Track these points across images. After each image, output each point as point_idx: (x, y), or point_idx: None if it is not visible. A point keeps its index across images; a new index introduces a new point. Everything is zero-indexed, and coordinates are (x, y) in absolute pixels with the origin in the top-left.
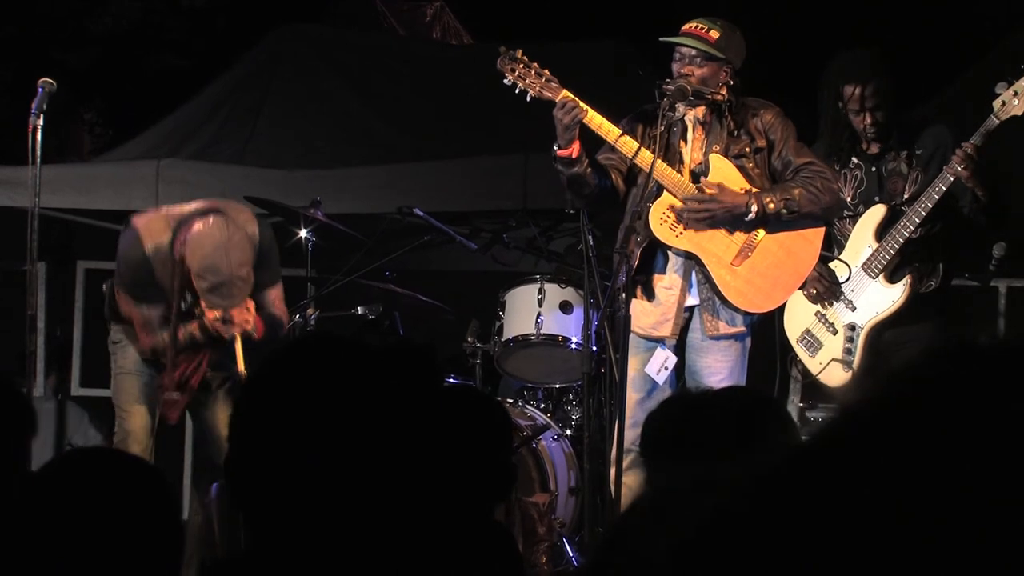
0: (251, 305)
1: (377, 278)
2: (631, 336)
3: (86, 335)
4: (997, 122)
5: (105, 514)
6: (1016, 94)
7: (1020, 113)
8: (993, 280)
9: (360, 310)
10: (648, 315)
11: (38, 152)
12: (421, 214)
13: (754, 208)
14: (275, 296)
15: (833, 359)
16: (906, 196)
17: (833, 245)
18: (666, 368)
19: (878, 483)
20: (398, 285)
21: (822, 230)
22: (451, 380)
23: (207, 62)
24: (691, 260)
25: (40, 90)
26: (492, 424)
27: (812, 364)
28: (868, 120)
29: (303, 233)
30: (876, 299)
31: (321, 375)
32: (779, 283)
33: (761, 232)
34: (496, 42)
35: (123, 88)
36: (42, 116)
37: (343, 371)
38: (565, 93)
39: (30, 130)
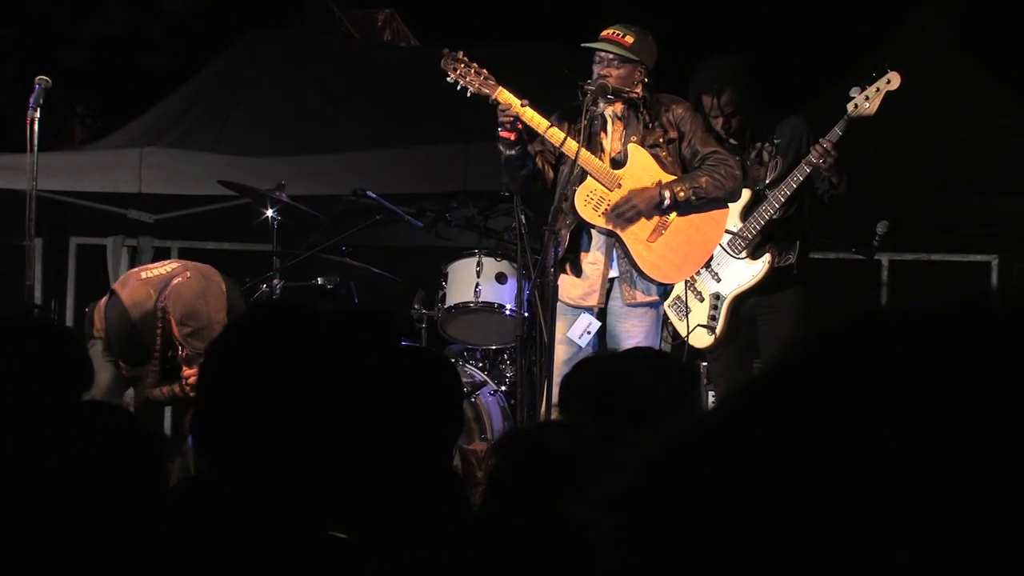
0: None
1: (335, 252)
2: (560, 305)
3: (77, 303)
4: (849, 120)
5: (90, 458)
6: (868, 98)
7: (871, 113)
8: (876, 254)
9: (320, 280)
10: (576, 287)
11: (35, 141)
12: (374, 196)
13: (667, 196)
14: None
15: (699, 324)
16: (767, 181)
17: None
18: (588, 332)
19: (795, 458)
20: (353, 258)
21: (727, 210)
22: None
23: (186, 62)
24: (612, 237)
25: (37, 86)
26: (444, 379)
27: (680, 327)
28: (721, 124)
29: (269, 212)
30: (739, 273)
31: (282, 337)
32: (689, 257)
33: (673, 213)
34: (440, 45)
35: (111, 85)
36: (39, 109)
37: (302, 333)
38: (501, 89)
39: (28, 121)
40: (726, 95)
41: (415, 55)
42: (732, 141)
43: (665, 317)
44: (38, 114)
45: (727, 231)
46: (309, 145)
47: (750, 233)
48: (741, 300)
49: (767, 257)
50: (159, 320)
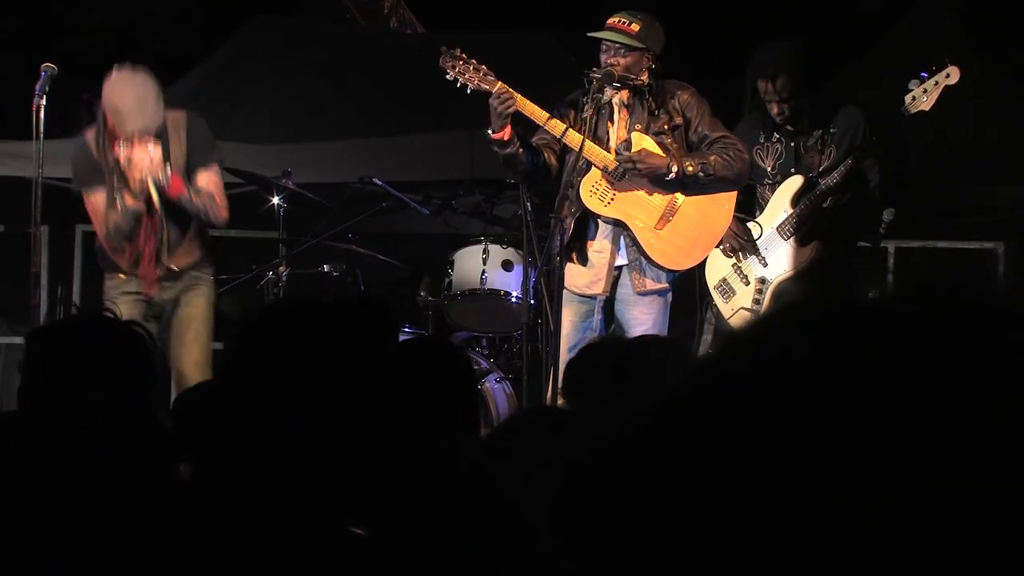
0: (157, 152)
1: (341, 240)
2: (566, 293)
3: (84, 289)
4: (906, 115)
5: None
6: (926, 91)
7: (927, 108)
8: (883, 242)
9: (326, 268)
10: (582, 275)
11: (41, 128)
12: (380, 183)
13: (674, 168)
14: (207, 179)
15: (742, 307)
16: (820, 169)
17: (755, 208)
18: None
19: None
20: (359, 246)
21: (734, 194)
22: (406, 329)
23: (190, 50)
24: (619, 227)
25: (43, 74)
26: (457, 370)
27: (725, 309)
28: (776, 110)
29: (275, 200)
30: (786, 258)
31: (296, 336)
32: (698, 243)
33: (680, 198)
34: (446, 32)
35: None
36: (45, 97)
37: (314, 331)
38: (500, 85)
39: (34, 109)
40: (781, 80)
41: (421, 42)
42: (788, 127)
43: (710, 299)
44: (44, 101)
45: (783, 212)
46: (315, 132)
47: (800, 219)
48: (786, 286)
49: (815, 245)
50: (102, 124)
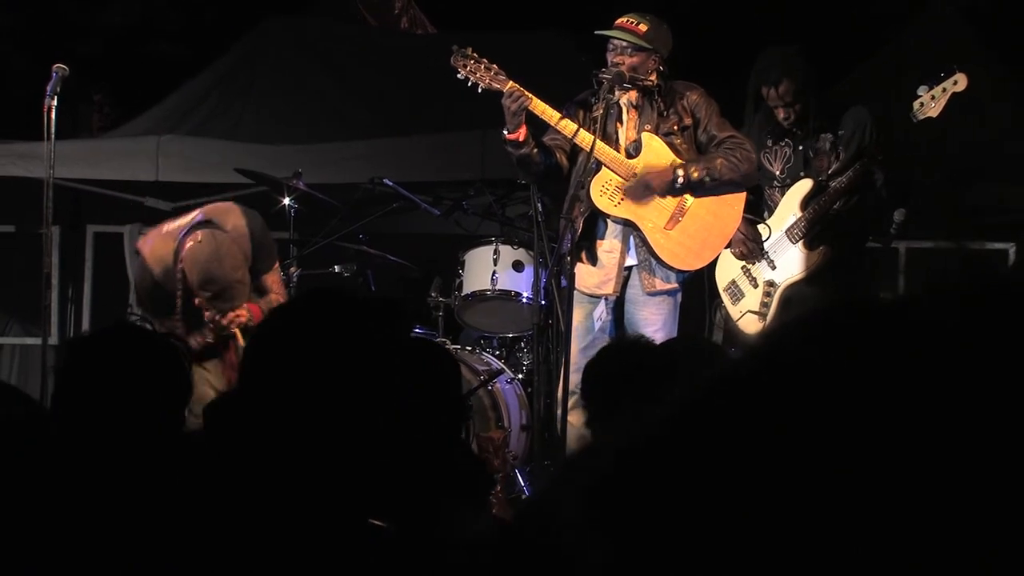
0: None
1: (352, 240)
2: (576, 292)
3: (94, 291)
4: (914, 121)
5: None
6: (934, 98)
7: (935, 115)
8: (894, 242)
9: (337, 268)
10: (592, 275)
11: (52, 129)
12: (390, 184)
13: (681, 176)
14: (273, 281)
15: (750, 310)
16: (830, 172)
17: (764, 211)
18: (599, 319)
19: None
20: (370, 247)
21: (743, 195)
22: (416, 330)
23: (202, 50)
24: (629, 226)
25: (54, 75)
26: (445, 368)
27: (733, 311)
28: (783, 114)
29: (286, 201)
30: (794, 262)
31: (322, 326)
32: (707, 244)
33: (689, 199)
34: (457, 32)
35: (128, 73)
36: (56, 97)
37: (340, 323)
38: (511, 84)
39: (45, 110)
40: (784, 84)
41: (432, 42)
42: (795, 131)
43: (720, 301)
44: (55, 102)
45: (792, 215)
46: (326, 133)
47: (808, 223)
48: (794, 290)
49: (823, 249)
50: (179, 278)
